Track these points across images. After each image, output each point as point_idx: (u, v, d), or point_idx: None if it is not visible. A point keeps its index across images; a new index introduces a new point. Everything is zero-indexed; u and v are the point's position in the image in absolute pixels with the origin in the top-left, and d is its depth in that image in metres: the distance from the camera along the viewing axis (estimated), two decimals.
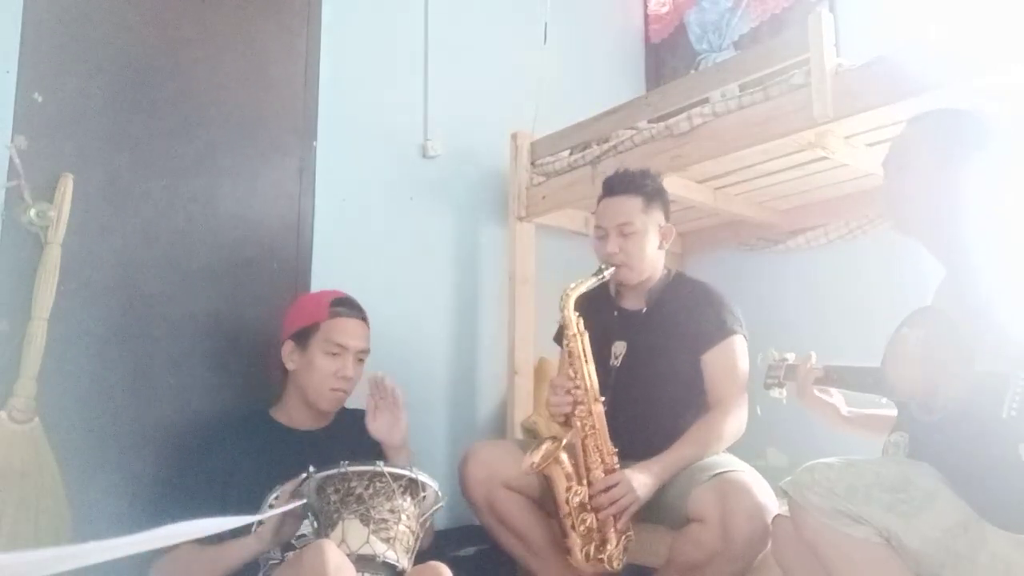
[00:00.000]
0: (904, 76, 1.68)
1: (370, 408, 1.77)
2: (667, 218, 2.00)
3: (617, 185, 1.96)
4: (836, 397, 1.68)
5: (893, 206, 1.50)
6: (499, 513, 1.84)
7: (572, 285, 1.87)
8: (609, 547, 1.70)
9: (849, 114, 1.80)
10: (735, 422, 1.84)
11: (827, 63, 1.80)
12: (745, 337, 1.92)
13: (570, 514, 1.71)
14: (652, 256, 1.95)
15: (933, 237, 1.45)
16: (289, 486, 1.46)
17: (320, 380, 1.75)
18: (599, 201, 2.00)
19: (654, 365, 1.92)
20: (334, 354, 1.76)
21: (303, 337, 1.78)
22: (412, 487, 1.42)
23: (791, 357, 1.80)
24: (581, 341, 1.83)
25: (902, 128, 1.52)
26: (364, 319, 1.84)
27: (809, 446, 1.81)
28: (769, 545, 1.51)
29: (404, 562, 1.36)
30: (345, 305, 1.82)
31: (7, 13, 1.79)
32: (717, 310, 1.91)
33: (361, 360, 1.82)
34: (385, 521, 1.35)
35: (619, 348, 1.96)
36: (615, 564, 1.70)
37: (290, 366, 1.80)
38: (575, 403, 1.78)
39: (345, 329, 1.78)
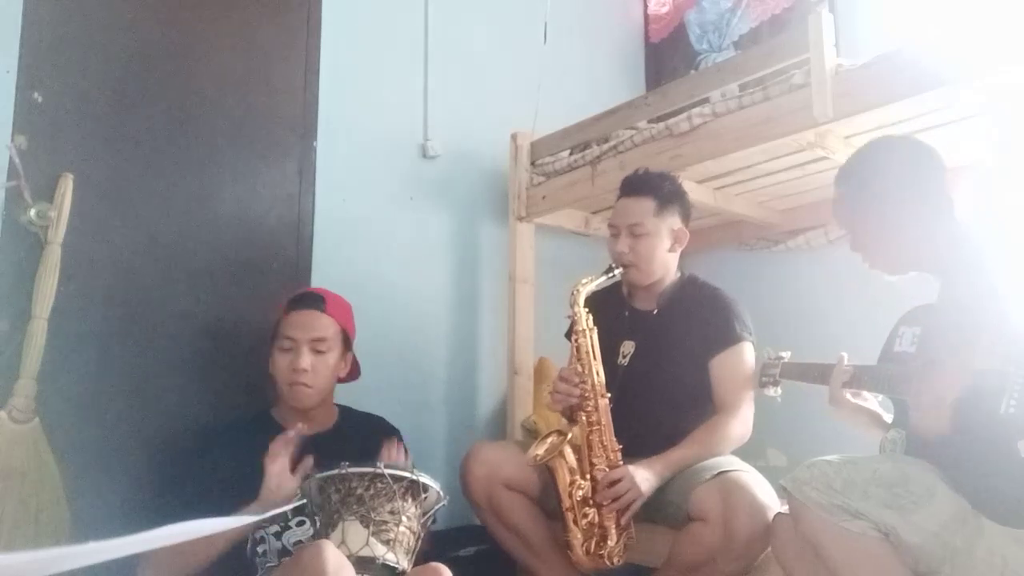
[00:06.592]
0: (904, 76, 1.68)
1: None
2: (685, 221, 1.99)
3: (632, 185, 1.96)
4: (871, 401, 1.63)
5: (884, 242, 1.49)
6: (499, 512, 1.85)
7: (583, 281, 1.88)
8: (610, 543, 1.71)
9: (849, 114, 1.79)
10: (741, 426, 1.84)
11: (827, 63, 1.80)
12: (753, 344, 1.92)
13: (572, 508, 1.72)
14: (662, 259, 1.95)
15: (926, 257, 1.44)
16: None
17: (280, 377, 1.74)
18: (616, 199, 2.00)
19: (661, 366, 1.92)
20: (287, 349, 1.73)
21: (271, 342, 1.78)
22: (413, 488, 1.41)
23: (787, 355, 1.81)
24: (590, 337, 1.84)
25: (847, 174, 1.54)
26: (322, 309, 1.77)
27: (809, 447, 1.80)
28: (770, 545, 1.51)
29: (404, 564, 1.36)
30: (301, 299, 1.79)
31: (7, 13, 1.78)
32: (727, 316, 1.91)
33: (319, 351, 1.74)
34: (385, 523, 1.35)
35: (627, 347, 1.97)
36: (615, 560, 1.71)
37: (272, 371, 1.79)
38: (582, 398, 1.79)
39: (293, 322, 1.74)
